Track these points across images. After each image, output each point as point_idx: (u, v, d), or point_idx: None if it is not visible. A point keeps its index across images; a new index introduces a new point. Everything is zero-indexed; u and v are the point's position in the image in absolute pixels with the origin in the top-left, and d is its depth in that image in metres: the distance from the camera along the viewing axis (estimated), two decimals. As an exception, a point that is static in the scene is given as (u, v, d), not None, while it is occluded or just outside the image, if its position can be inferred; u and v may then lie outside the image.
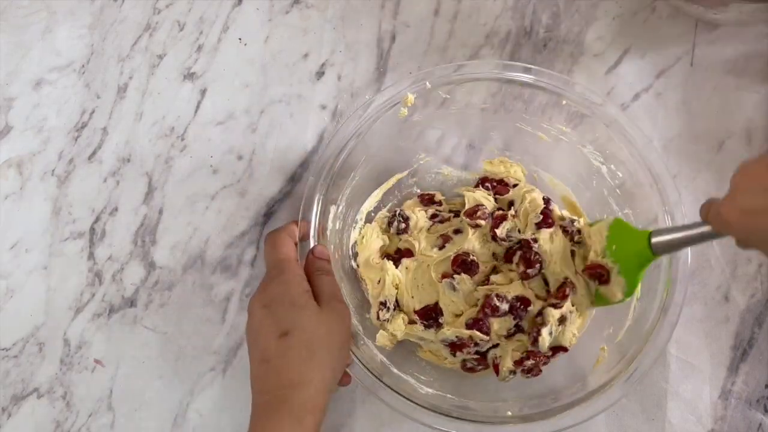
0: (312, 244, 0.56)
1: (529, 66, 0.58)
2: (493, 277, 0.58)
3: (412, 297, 0.58)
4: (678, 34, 0.66)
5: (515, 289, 0.56)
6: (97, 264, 0.64)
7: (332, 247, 0.58)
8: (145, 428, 0.61)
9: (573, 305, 0.55)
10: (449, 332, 0.55)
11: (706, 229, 0.45)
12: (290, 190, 0.64)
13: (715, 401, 0.59)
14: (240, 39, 0.67)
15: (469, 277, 0.57)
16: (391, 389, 0.53)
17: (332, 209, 0.59)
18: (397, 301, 0.59)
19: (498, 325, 0.55)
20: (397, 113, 0.59)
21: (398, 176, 0.63)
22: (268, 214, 0.64)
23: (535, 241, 0.57)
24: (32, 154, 0.66)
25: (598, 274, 0.54)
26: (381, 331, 0.57)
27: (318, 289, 0.53)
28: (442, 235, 0.60)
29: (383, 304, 0.57)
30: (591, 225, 0.57)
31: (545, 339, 0.54)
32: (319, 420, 0.47)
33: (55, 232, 0.64)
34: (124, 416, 0.61)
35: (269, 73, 0.67)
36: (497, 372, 0.56)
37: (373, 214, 0.63)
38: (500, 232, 0.57)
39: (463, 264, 0.57)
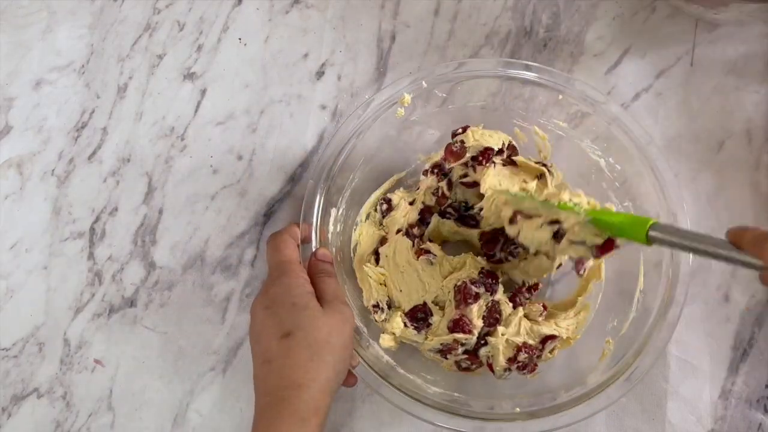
0: (314, 247, 0.57)
1: (530, 63, 0.58)
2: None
3: (401, 290, 0.58)
4: (678, 34, 0.66)
5: (474, 266, 0.57)
6: (97, 264, 0.64)
7: (334, 249, 0.59)
8: (145, 428, 0.61)
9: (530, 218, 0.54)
10: (433, 342, 0.56)
11: (732, 254, 0.41)
12: (290, 190, 0.65)
13: (715, 401, 0.59)
14: (240, 39, 0.67)
15: (443, 253, 0.58)
16: (398, 389, 0.53)
17: (333, 212, 0.59)
18: (390, 300, 0.59)
19: (478, 309, 0.56)
20: (396, 113, 0.59)
21: (397, 176, 0.63)
22: (268, 214, 0.64)
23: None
24: (32, 154, 0.66)
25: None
26: (382, 334, 0.57)
27: (321, 291, 0.53)
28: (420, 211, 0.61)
29: (376, 306, 0.58)
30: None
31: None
32: (322, 421, 0.47)
33: (55, 232, 0.64)
34: (124, 416, 0.61)
35: (269, 73, 0.67)
36: (492, 370, 0.56)
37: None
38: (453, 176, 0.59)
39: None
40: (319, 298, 0.52)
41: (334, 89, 0.66)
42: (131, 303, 0.63)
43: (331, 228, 0.59)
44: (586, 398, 0.53)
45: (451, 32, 0.67)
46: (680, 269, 0.55)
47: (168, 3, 0.68)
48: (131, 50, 0.67)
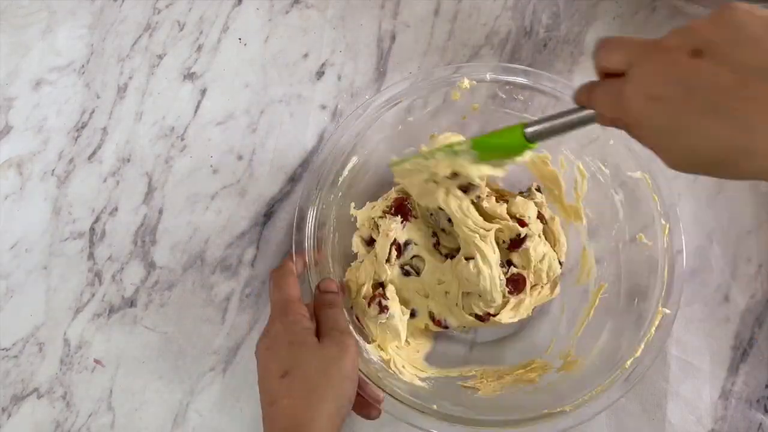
0: (312, 273, 0.56)
1: (528, 69, 0.58)
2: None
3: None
4: (678, 34, 0.66)
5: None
6: (97, 264, 0.64)
7: (330, 258, 0.58)
8: (145, 428, 0.61)
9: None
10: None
11: (587, 113, 0.42)
12: (290, 190, 0.65)
13: (715, 401, 0.59)
14: (240, 39, 0.67)
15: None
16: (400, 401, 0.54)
17: (330, 218, 0.59)
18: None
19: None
20: (396, 114, 0.59)
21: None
22: (268, 214, 0.64)
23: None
24: (32, 154, 0.66)
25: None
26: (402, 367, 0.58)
27: (320, 324, 0.52)
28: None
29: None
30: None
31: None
32: None
33: (55, 232, 0.64)
34: (124, 416, 0.61)
35: (269, 73, 0.67)
36: (481, 319, 0.58)
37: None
38: None
39: (402, 208, 0.59)
40: (319, 330, 0.52)
41: (334, 89, 0.66)
42: (131, 303, 0.63)
43: (329, 237, 0.59)
44: (587, 400, 0.53)
45: (451, 32, 0.67)
46: (678, 269, 0.54)
47: (168, 3, 0.68)
48: (131, 50, 0.67)
